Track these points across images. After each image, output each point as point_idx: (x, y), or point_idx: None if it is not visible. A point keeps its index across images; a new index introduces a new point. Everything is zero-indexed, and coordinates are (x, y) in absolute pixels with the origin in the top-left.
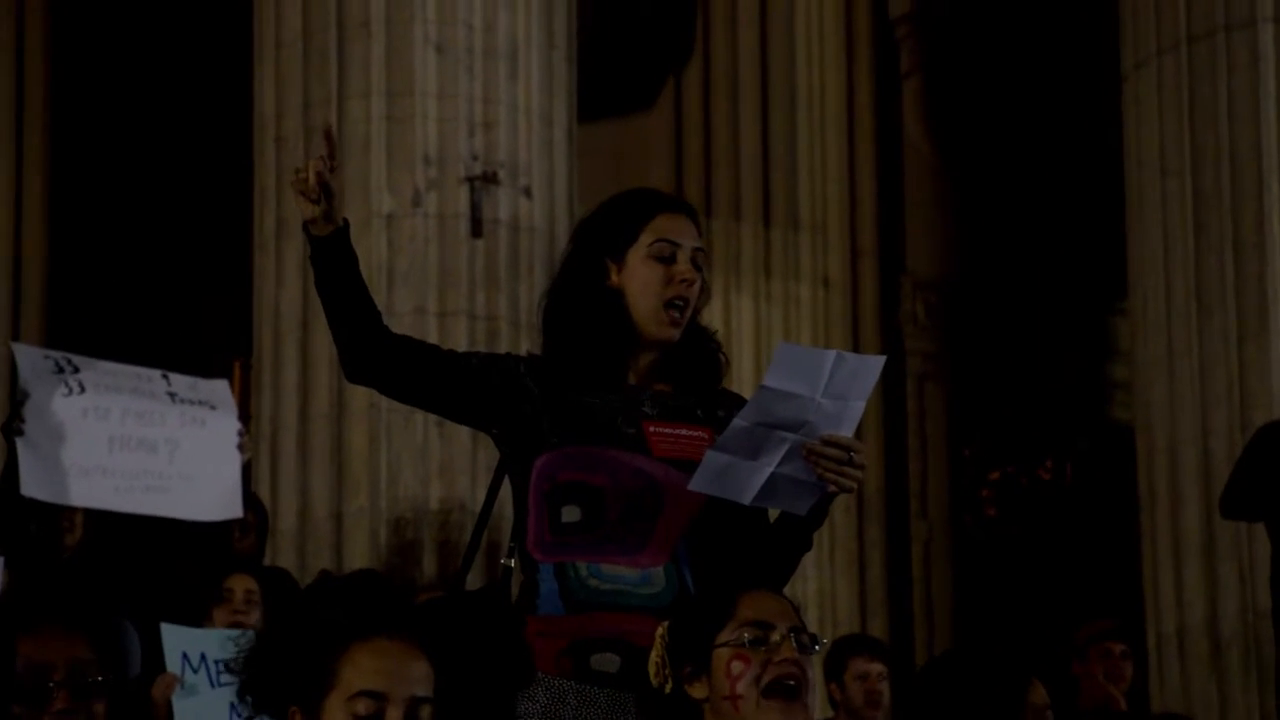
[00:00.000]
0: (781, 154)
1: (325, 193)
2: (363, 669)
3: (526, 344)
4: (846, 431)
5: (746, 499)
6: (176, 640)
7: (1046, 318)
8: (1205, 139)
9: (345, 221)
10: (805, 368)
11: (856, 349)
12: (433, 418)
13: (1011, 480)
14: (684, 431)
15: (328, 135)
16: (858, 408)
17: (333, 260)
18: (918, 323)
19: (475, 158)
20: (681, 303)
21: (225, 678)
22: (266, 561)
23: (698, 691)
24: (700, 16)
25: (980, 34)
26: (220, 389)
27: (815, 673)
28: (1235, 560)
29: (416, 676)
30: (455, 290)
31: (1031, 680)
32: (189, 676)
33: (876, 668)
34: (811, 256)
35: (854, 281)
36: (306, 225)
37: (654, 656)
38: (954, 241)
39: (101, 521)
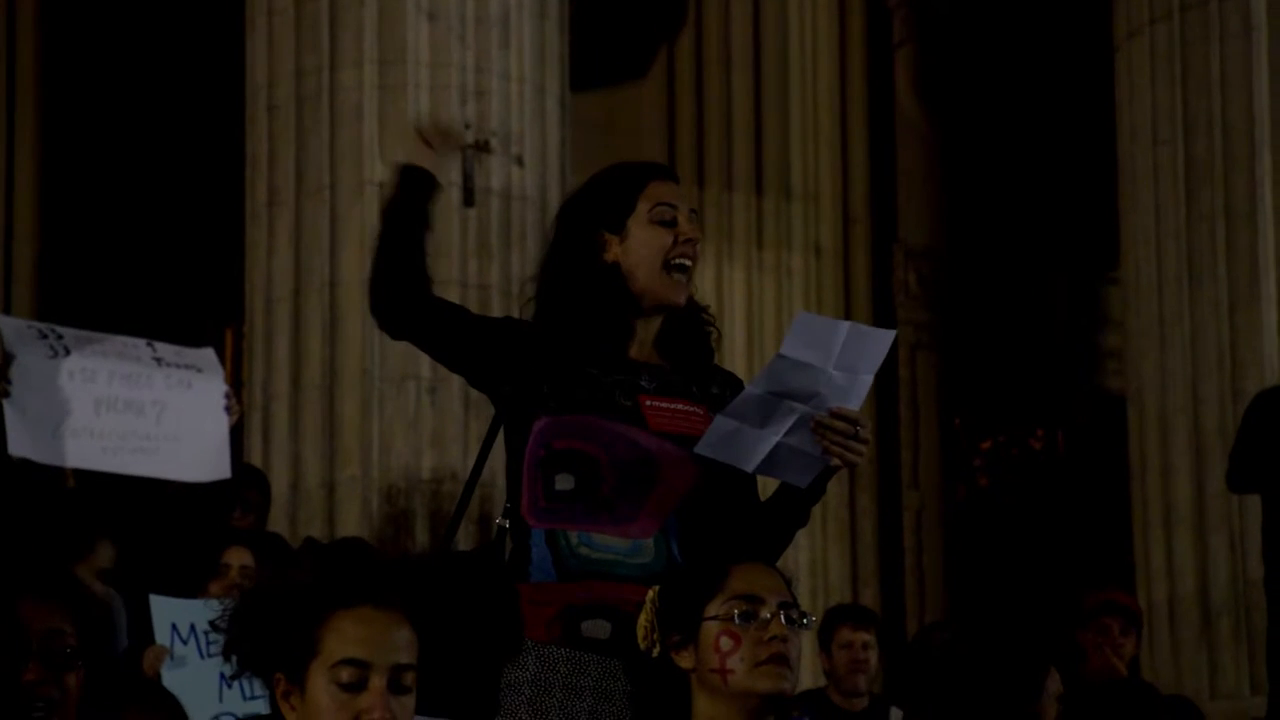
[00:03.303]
0: (774, 123)
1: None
2: (345, 637)
3: (518, 313)
4: (854, 404)
5: (750, 467)
6: (166, 612)
7: (1038, 287)
8: (1197, 108)
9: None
10: (820, 337)
11: (848, 318)
12: (424, 386)
13: (1003, 450)
14: (680, 406)
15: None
16: (866, 381)
17: (413, 214)
18: (909, 292)
19: (467, 126)
20: (687, 263)
21: (215, 649)
22: None
23: (684, 661)
24: None
25: (972, 3)
26: (206, 355)
27: (805, 644)
28: (1226, 529)
29: (400, 644)
30: (447, 259)
31: (1049, 669)
32: (179, 648)
33: (861, 637)
34: (804, 226)
35: (846, 250)
36: (405, 170)
37: (643, 620)
38: (946, 210)
39: (91, 490)
